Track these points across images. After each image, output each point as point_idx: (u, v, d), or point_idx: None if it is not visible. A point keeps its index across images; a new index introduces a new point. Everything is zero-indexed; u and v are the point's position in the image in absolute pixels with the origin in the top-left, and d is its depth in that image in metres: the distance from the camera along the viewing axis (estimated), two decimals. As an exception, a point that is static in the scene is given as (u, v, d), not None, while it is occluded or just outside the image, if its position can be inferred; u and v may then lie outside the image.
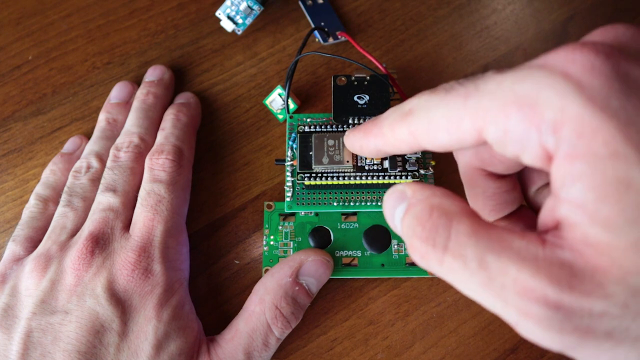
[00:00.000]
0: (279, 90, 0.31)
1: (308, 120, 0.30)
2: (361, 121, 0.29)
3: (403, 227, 0.17)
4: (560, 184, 0.14)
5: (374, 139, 0.21)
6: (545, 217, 0.16)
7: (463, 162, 0.21)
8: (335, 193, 0.28)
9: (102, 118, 0.31)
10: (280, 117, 0.32)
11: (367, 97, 0.29)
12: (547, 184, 0.21)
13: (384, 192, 0.25)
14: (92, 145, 0.30)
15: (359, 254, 0.28)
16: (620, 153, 0.13)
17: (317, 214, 0.29)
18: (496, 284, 0.14)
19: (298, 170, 0.28)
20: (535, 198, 0.21)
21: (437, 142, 0.18)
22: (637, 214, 0.13)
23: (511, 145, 0.16)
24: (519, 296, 0.14)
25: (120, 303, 0.24)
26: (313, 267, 0.27)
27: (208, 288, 0.29)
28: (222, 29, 0.34)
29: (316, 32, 0.34)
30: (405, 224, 0.17)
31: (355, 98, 0.29)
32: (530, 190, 0.21)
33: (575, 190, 0.14)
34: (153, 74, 0.32)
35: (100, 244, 0.25)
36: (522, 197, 0.22)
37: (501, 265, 0.14)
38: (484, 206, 0.21)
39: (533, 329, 0.14)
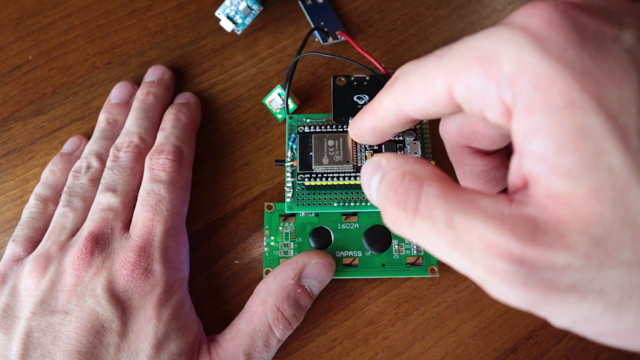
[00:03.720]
0: (278, 89, 0.31)
1: (308, 120, 0.30)
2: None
3: (378, 195, 0.17)
4: (521, 139, 0.14)
5: (367, 116, 0.22)
6: (513, 176, 0.15)
7: (449, 140, 0.21)
8: (336, 193, 0.28)
9: (102, 118, 0.31)
10: (280, 116, 0.32)
11: (366, 98, 0.29)
12: None
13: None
14: (92, 145, 0.30)
15: (359, 254, 0.28)
16: (576, 102, 0.13)
17: (317, 215, 0.29)
18: (463, 242, 0.14)
19: (298, 171, 0.28)
20: None
21: (415, 106, 0.18)
22: (595, 161, 0.13)
23: (475, 101, 0.16)
24: (485, 252, 0.14)
25: (120, 303, 0.24)
26: (316, 270, 0.27)
27: (208, 288, 0.29)
28: (222, 29, 0.34)
29: (316, 32, 0.34)
30: (379, 192, 0.17)
31: (355, 98, 0.29)
32: None
33: (535, 143, 0.14)
34: (153, 74, 0.32)
35: (100, 244, 0.25)
36: None
37: (468, 224, 0.14)
38: (473, 185, 0.22)
39: (499, 285, 0.14)
